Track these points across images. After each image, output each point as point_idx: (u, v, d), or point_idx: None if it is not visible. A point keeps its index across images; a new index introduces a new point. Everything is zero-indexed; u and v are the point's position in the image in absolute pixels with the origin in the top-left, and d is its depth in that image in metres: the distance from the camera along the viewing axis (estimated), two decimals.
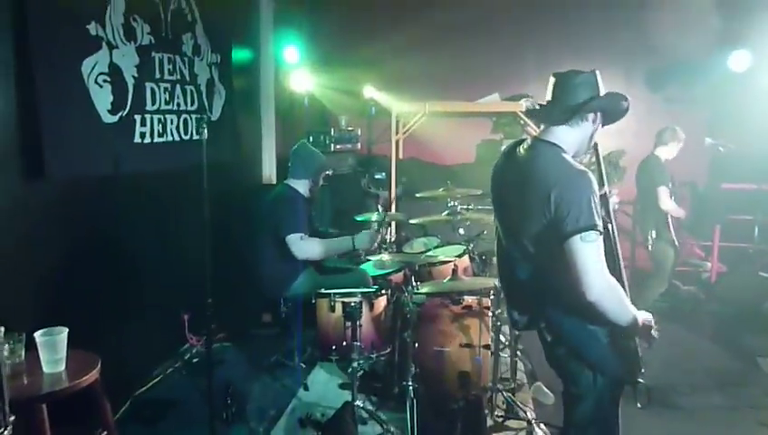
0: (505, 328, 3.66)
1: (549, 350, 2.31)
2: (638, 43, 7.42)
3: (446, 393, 3.32)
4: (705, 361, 4.43)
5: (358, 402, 3.09)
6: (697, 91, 7.45)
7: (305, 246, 3.52)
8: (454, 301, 3.46)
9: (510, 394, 3.41)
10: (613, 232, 2.19)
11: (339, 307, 3.10)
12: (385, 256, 3.29)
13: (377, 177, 7.52)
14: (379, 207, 4.20)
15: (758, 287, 5.48)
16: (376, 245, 3.51)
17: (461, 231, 3.96)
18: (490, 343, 3.29)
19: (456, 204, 3.50)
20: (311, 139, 6.07)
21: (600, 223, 1.94)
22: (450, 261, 3.46)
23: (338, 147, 6.09)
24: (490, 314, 3.29)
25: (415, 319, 3.18)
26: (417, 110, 7.32)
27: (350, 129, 6.66)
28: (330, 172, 6.13)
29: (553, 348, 2.27)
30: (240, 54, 5.37)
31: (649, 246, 4.91)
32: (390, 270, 3.58)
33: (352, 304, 3.05)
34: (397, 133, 7.51)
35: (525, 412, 3.26)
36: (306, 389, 3.70)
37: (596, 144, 2.31)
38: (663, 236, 4.83)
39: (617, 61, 7.67)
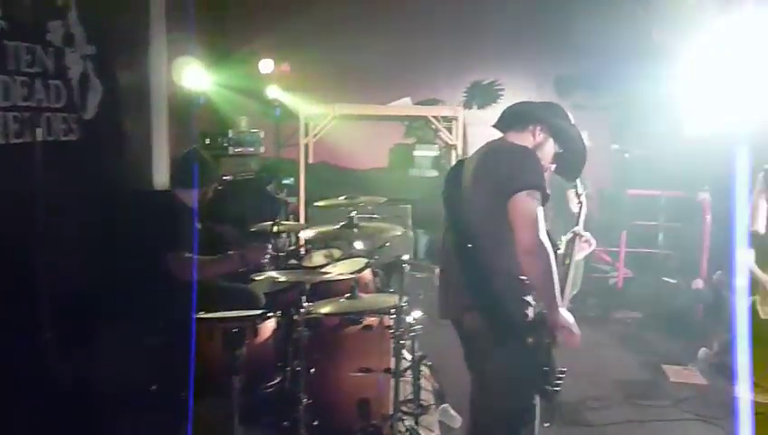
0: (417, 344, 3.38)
1: (467, 347, 2.28)
2: (548, 49, 7.47)
3: (344, 424, 3.02)
4: (613, 371, 4.36)
5: None
6: (605, 97, 7.58)
7: (187, 267, 3.11)
8: (353, 321, 3.16)
9: (413, 421, 3.14)
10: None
11: (218, 334, 2.72)
12: (274, 273, 2.94)
13: (285, 182, 7.15)
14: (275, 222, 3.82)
15: (663, 292, 5.54)
16: (268, 258, 3.16)
17: (357, 245, 3.67)
18: (391, 365, 3.00)
19: (354, 214, 3.21)
20: (207, 141, 5.62)
21: (547, 189, 2.06)
22: (348, 278, 3.15)
23: (237, 150, 5.67)
24: (391, 333, 3.00)
25: (306, 344, 2.85)
26: (326, 112, 7.02)
27: (252, 131, 6.25)
28: (229, 178, 5.75)
29: (472, 344, 2.24)
30: (124, 47, 4.86)
31: (560, 251, 4.83)
32: (280, 288, 3.23)
33: (233, 330, 2.68)
34: (305, 136, 7.18)
35: None
36: (189, 423, 3.27)
37: (581, 195, 2.57)
38: (573, 241, 4.76)
39: (528, 67, 7.70)
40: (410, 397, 3.39)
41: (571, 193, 4.67)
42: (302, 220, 6.32)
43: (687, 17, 5.70)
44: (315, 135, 7.32)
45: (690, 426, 3.56)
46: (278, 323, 2.96)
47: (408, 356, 3.40)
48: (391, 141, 7.69)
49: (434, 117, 6.67)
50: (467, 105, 7.53)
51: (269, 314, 2.89)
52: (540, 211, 2.04)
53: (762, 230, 3.69)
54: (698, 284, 5.39)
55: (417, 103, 7.22)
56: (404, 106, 7.08)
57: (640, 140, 6.66)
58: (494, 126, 2.44)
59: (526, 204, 2.02)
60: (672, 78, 6.08)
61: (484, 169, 2.20)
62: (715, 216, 5.48)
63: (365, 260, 3.56)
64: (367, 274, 3.58)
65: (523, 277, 2.09)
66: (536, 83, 7.87)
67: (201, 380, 2.85)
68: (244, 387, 2.80)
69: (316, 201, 4.81)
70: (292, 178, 7.06)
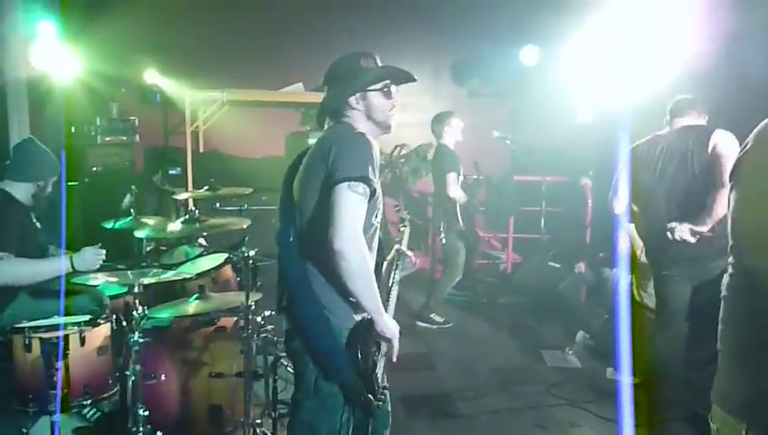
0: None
1: (288, 347, 2.14)
2: (446, 35, 7.42)
3: (193, 433, 2.82)
4: (494, 359, 4.36)
5: None
6: (498, 85, 7.64)
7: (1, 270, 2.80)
8: (206, 323, 2.96)
9: (271, 425, 2.98)
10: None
11: (36, 345, 2.44)
12: (100, 275, 2.67)
13: (171, 172, 6.78)
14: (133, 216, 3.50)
15: (549, 276, 5.61)
16: (101, 262, 2.88)
17: (201, 241, 3.45)
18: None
19: (196, 210, 2.99)
20: (73, 129, 5.19)
21: (373, 181, 1.92)
22: (191, 277, 2.93)
23: (107, 139, 5.27)
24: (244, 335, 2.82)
25: (143, 350, 2.61)
26: (213, 98, 6.71)
27: (130, 118, 5.83)
28: (98, 169, 5.35)
29: (290, 336, 2.09)
30: None
31: (442, 238, 4.84)
32: (123, 292, 2.96)
33: (52, 341, 2.42)
34: (192, 124, 6.84)
35: None
36: None
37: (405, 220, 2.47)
38: (452, 228, 4.77)
39: (425, 53, 7.62)
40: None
41: (451, 177, 4.70)
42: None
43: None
44: (205, 122, 7.01)
45: (558, 411, 3.58)
46: (113, 329, 2.71)
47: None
48: (287, 129, 7.44)
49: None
50: None
51: (100, 321, 2.63)
52: (360, 206, 1.88)
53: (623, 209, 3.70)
54: (581, 267, 5.51)
55: (313, 90, 6.99)
56: (297, 92, 6.87)
57: (533, 126, 6.73)
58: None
59: (345, 197, 1.85)
60: (564, 66, 6.17)
61: (313, 157, 2.02)
62: (597, 200, 5.61)
63: (225, 256, 3.34)
64: (227, 270, 3.37)
65: None
66: (433, 70, 7.85)
67: (19, 395, 2.58)
68: (74, 400, 2.55)
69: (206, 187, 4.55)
70: (179, 168, 6.71)
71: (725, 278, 1.42)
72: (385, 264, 2.19)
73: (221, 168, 7.06)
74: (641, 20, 4.86)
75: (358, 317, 1.96)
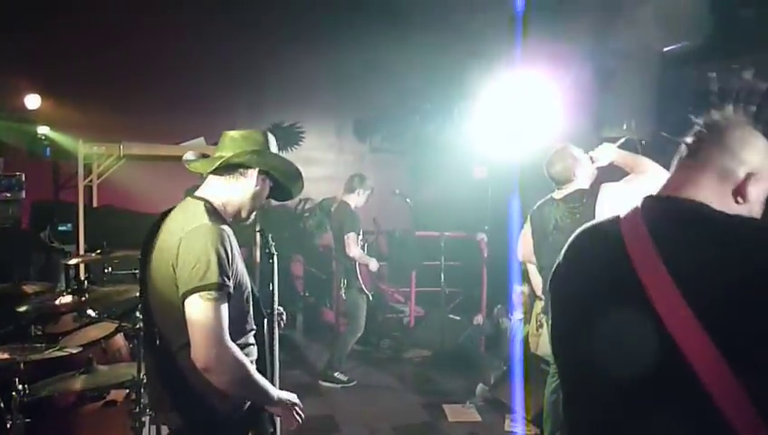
0: None
1: None
2: (348, 93, 7.63)
3: None
4: (397, 416, 4.38)
5: None
6: (400, 142, 7.92)
7: None
8: (93, 398, 2.80)
9: None
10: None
11: None
12: None
13: (61, 228, 6.45)
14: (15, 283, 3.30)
15: (449, 329, 5.77)
16: None
17: (91, 313, 3.31)
18: None
19: (84, 279, 2.87)
20: None
21: (227, 282, 1.73)
22: (77, 351, 2.77)
23: None
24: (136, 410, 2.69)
25: (25, 432, 2.44)
26: (109, 152, 6.49)
27: (16, 174, 5.53)
28: None
29: None
30: None
31: (343, 294, 4.91)
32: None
33: None
34: (86, 178, 6.57)
35: None
36: None
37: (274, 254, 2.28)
38: (353, 285, 4.84)
39: (328, 110, 7.79)
40: None
41: (351, 238, 4.78)
42: (81, 274, 5.68)
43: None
44: (99, 176, 6.75)
45: None
46: None
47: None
48: (188, 183, 7.28)
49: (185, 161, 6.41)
50: None
51: None
52: (219, 311, 1.70)
53: (521, 258, 3.87)
54: (479, 319, 5.71)
55: (214, 144, 6.92)
56: (197, 146, 6.78)
57: (432, 182, 7.00)
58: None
59: (198, 309, 1.68)
60: (462, 125, 6.50)
61: (164, 250, 1.80)
62: (492, 254, 5.89)
63: (115, 325, 3.20)
64: (118, 339, 3.23)
65: None
66: (336, 126, 8.03)
67: None
68: None
69: (97, 250, 4.36)
70: (69, 224, 6.40)
71: None
72: (265, 323, 2.05)
73: (116, 223, 6.78)
74: (531, 88, 5.26)
75: (247, 401, 1.88)
